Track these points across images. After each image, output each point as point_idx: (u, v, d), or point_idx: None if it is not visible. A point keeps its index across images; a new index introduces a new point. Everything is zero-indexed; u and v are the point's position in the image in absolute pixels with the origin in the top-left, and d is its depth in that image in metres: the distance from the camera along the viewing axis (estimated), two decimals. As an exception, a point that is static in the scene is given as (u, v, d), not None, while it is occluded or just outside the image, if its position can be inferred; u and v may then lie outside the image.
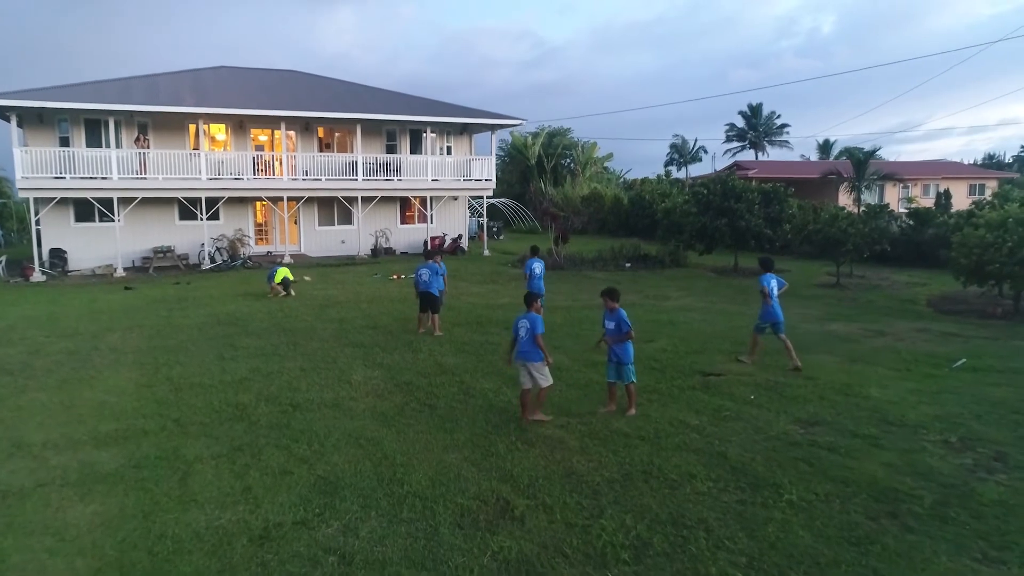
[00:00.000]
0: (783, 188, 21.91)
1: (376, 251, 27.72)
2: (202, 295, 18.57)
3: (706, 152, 76.49)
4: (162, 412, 8.94)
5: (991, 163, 76.29)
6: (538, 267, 14.71)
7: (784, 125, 78.68)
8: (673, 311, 15.50)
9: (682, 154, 75.25)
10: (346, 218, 28.38)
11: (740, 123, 78.26)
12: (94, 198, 23.04)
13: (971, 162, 69.03)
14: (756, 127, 77.86)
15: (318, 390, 9.81)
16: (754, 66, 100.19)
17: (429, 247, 27.82)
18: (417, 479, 6.79)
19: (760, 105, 76.91)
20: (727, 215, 20.56)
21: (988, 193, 49.86)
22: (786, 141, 79.88)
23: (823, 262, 24.25)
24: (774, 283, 11.16)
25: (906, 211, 24.90)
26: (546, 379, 8.43)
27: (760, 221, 20.44)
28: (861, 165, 32.75)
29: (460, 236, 29.91)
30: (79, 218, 24.52)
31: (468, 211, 32.62)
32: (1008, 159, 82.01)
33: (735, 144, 79.30)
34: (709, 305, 16.39)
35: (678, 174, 69.94)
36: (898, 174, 35.55)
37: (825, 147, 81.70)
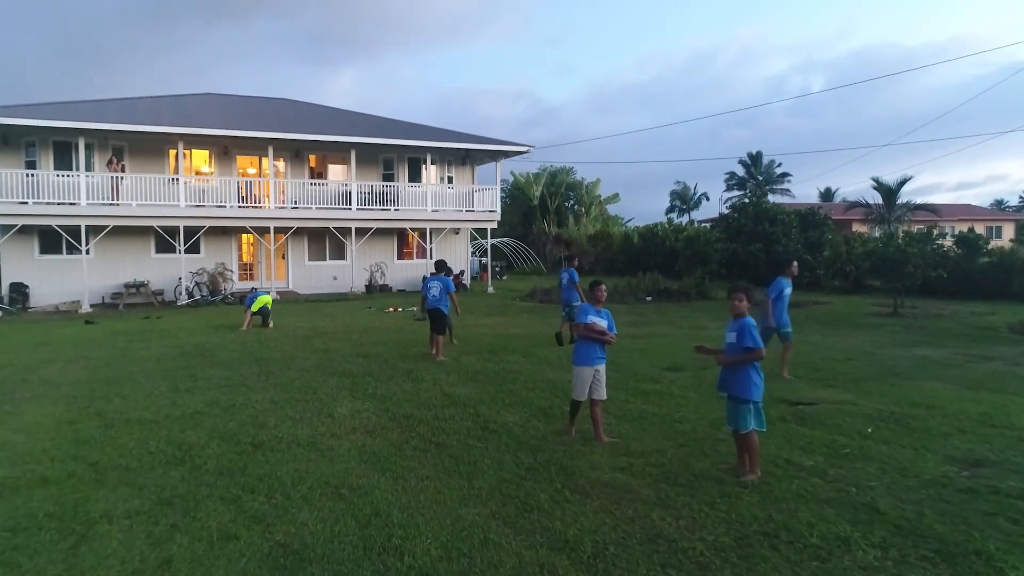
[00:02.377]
0: (820, 210, 19.96)
1: (371, 287, 25.47)
2: (171, 328, 16.27)
3: (708, 199, 75.21)
4: (78, 454, 6.66)
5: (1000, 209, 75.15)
6: (565, 276, 12.96)
7: (785, 174, 77.52)
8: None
9: (684, 200, 73.95)
10: (338, 252, 26.23)
11: (740, 172, 77.21)
12: (59, 226, 20.83)
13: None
14: (756, 176, 76.77)
15: (290, 425, 7.50)
16: (746, 125, 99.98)
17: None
18: (424, 546, 4.51)
19: (759, 154, 75.92)
20: (761, 240, 18.49)
21: (1005, 236, 48.16)
22: (787, 190, 78.38)
23: (860, 296, 22.14)
24: None
25: (952, 239, 22.95)
26: (574, 389, 6.97)
27: (799, 246, 18.36)
28: (892, 196, 30.88)
29: (462, 272, 27.70)
30: (44, 250, 22.26)
31: (470, 248, 30.54)
32: (1008, 209, 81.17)
33: (736, 193, 78.01)
34: (757, 333, 14.16)
35: (680, 221, 68.41)
36: (931, 204, 33.61)
37: (827, 195, 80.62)
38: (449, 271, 12.79)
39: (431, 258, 26.43)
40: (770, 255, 18.55)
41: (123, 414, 8.13)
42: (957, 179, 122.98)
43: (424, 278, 26.26)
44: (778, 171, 76.74)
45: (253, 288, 23.11)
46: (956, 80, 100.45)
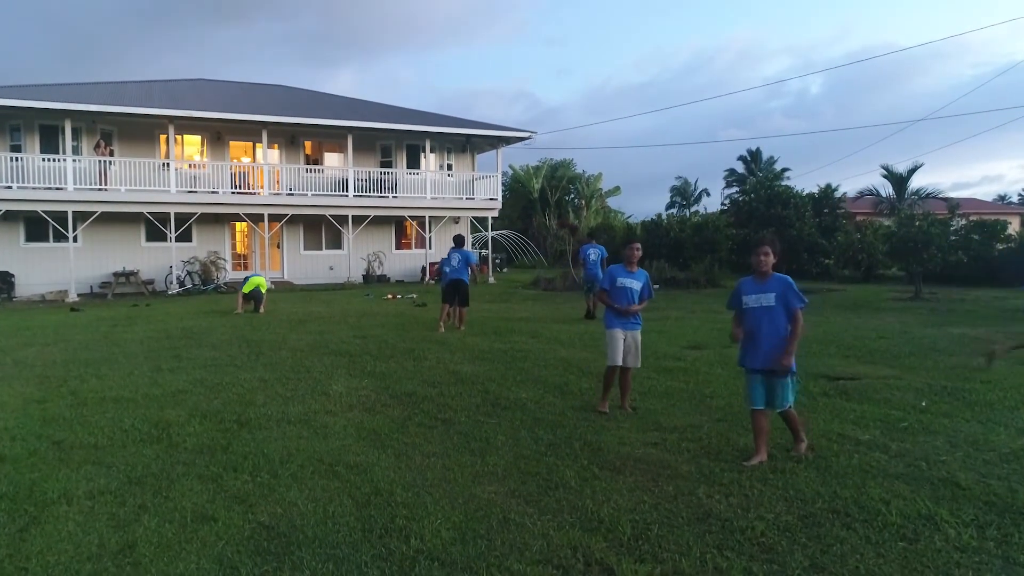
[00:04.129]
0: (833, 191, 19.33)
1: (368, 277, 24.72)
2: (159, 314, 15.54)
3: (708, 195, 74.40)
4: (43, 432, 5.98)
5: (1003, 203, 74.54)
6: (594, 253, 12.71)
7: (785, 169, 76.68)
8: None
9: (684, 196, 73.11)
10: (335, 242, 25.47)
11: (740, 168, 76.39)
12: (46, 211, 20.06)
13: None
14: (756, 173, 75.96)
15: (280, 403, 6.81)
16: (744, 125, 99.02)
17: (428, 271, 25.03)
18: (433, 527, 3.85)
19: (759, 150, 75.10)
20: (774, 224, 17.82)
21: (1011, 229, 47.50)
22: (790, 187, 77.60)
23: (874, 284, 21.52)
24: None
25: (966, 223, 22.24)
26: (607, 353, 6.35)
27: (813, 230, 17.68)
28: (902, 184, 30.20)
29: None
30: (30, 237, 21.47)
31: (470, 238, 29.78)
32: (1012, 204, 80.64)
33: (735, 190, 77.18)
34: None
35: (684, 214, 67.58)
36: (941, 192, 32.85)
37: (829, 190, 79.81)
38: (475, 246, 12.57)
39: (430, 248, 25.78)
40: (784, 239, 17.82)
41: (98, 393, 7.43)
42: (953, 179, 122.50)
43: (423, 268, 25.68)
44: (777, 167, 76.06)
45: (246, 278, 22.38)
46: (955, 81, 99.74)
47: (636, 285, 6.17)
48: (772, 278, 4.93)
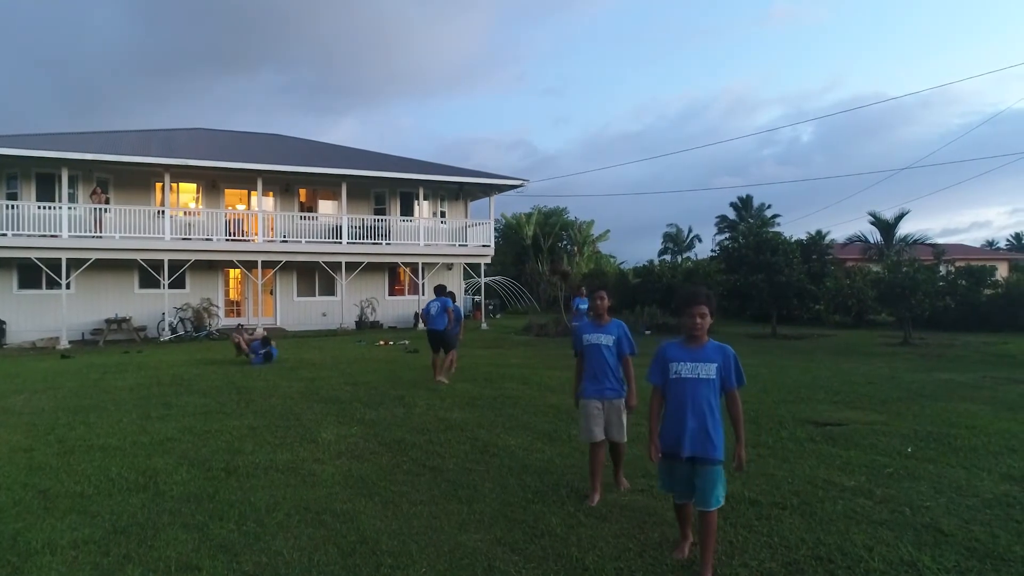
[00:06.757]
0: (821, 238, 19.62)
1: (361, 323, 24.76)
2: (151, 361, 15.50)
3: (700, 241, 75.08)
4: (28, 481, 5.94)
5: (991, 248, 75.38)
6: (585, 306, 13.04)
7: (776, 216, 77.69)
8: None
9: (677, 243, 73.79)
10: (328, 288, 25.58)
11: (732, 215, 77.27)
12: (39, 259, 20.15)
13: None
14: (747, 219, 76.83)
15: (269, 451, 6.79)
16: (737, 172, 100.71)
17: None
18: (417, 575, 3.80)
19: (750, 197, 76.12)
20: (763, 270, 17.99)
21: (998, 275, 47.96)
22: (779, 233, 78.17)
23: (864, 330, 21.67)
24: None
25: (953, 269, 22.55)
26: (580, 431, 5.39)
27: (802, 276, 17.88)
28: (890, 230, 30.65)
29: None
30: (23, 284, 21.52)
31: (463, 285, 29.95)
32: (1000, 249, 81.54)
33: (726, 236, 77.85)
34: (768, 361, 13.55)
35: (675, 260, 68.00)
36: (928, 239, 33.32)
37: (818, 237, 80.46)
38: (451, 295, 12.34)
39: (423, 294, 25.86)
40: (774, 285, 18.02)
41: (85, 441, 7.41)
42: (943, 225, 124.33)
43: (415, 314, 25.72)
44: (768, 213, 77.00)
45: (239, 324, 22.36)
46: (942, 129, 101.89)
47: (608, 341, 5.14)
48: (709, 345, 3.92)
